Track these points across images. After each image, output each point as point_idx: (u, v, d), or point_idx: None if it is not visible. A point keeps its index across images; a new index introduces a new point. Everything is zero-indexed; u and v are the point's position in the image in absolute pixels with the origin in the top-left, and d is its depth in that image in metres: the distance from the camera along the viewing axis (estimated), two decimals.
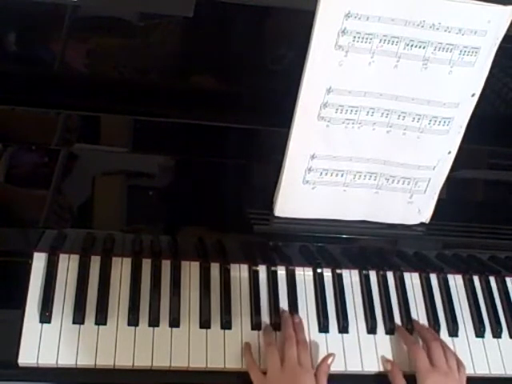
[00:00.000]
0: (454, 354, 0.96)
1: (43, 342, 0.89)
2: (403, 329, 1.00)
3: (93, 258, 0.97)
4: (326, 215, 0.94)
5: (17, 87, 0.85)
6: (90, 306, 0.92)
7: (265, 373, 0.90)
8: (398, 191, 0.93)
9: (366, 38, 0.78)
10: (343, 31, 0.77)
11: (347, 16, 0.76)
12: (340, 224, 0.95)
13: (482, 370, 0.99)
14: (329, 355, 0.93)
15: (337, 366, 0.94)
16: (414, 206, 0.95)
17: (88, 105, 0.88)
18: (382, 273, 1.04)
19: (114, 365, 0.89)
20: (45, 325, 0.90)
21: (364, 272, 1.04)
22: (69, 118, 0.89)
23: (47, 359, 0.88)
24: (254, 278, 1.00)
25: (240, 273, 1.00)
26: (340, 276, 1.03)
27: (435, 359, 0.93)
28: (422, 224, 0.98)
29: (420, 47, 0.79)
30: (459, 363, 0.95)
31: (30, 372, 0.88)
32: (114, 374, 0.89)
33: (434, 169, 0.91)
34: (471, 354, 1.00)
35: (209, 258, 0.99)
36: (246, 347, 0.94)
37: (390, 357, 0.97)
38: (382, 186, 0.92)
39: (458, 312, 1.04)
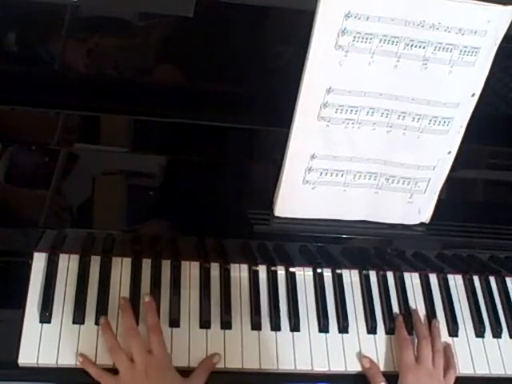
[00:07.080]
0: (448, 356, 0.97)
1: (43, 342, 0.89)
2: (402, 323, 0.99)
3: (93, 257, 0.97)
4: (326, 215, 0.94)
5: (17, 87, 0.85)
6: (90, 306, 0.92)
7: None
8: (398, 191, 0.93)
9: (366, 38, 0.78)
10: (343, 31, 0.77)
11: (347, 16, 0.76)
12: (340, 224, 0.95)
13: (481, 370, 0.99)
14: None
15: (337, 366, 0.95)
16: (413, 206, 0.95)
17: (88, 105, 0.87)
18: (382, 273, 1.05)
19: (114, 365, 0.89)
20: (45, 325, 0.90)
21: (364, 272, 1.04)
22: (69, 117, 0.89)
23: (47, 359, 0.88)
24: (253, 278, 1.00)
25: (240, 273, 1.00)
26: (340, 276, 1.03)
27: (421, 356, 0.94)
28: (421, 224, 0.97)
29: (420, 47, 0.79)
30: (450, 365, 0.96)
31: (30, 372, 0.88)
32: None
33: (433, 169, 0.91)
34: (471, 354, 1.00)
35: (209, 258, 0.99)
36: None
37: (390, 357, 0.97)
38: (381, 185, 0.92)
39: (457, 312, 1.04)
